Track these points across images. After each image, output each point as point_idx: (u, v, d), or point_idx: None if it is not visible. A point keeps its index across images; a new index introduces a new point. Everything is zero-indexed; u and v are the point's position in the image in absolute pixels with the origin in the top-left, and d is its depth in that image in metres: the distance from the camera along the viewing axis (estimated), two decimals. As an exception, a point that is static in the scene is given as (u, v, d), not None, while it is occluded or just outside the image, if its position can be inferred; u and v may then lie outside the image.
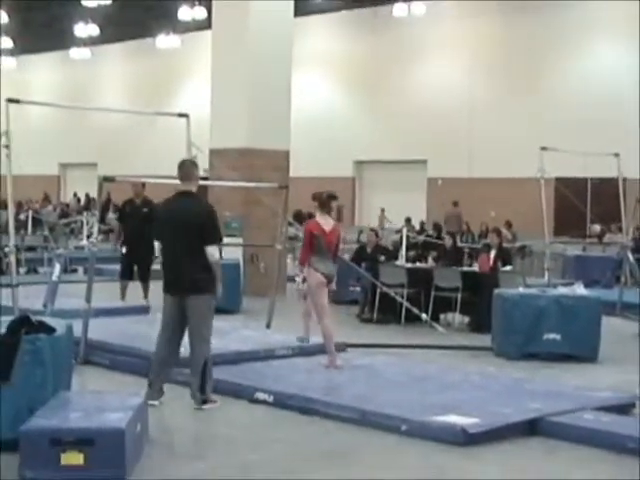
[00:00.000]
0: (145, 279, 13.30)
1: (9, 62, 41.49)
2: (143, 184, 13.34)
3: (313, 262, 9.05)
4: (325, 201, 9.23)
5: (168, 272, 7.65)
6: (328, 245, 9.13)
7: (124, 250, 13.18)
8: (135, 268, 13.20)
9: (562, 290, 11.15)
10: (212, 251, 7.47)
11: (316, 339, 10.00)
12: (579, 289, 10.76)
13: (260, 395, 7.75)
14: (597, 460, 6.38)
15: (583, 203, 23.17)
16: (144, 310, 12.04)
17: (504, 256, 13.37)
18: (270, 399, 7.69)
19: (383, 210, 29.63)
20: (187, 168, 7.76)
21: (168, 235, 7.61)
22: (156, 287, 13.83)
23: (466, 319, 12.96)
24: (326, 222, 9.18)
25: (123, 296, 13.30)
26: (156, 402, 7.45)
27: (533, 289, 11.45)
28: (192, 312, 7.46)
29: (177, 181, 7.69)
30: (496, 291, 10.97)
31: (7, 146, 9.43)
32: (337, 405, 7.30)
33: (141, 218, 13.17)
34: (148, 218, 13.45)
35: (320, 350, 9.63)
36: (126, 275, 13.30)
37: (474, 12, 29.59)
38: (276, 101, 16.19)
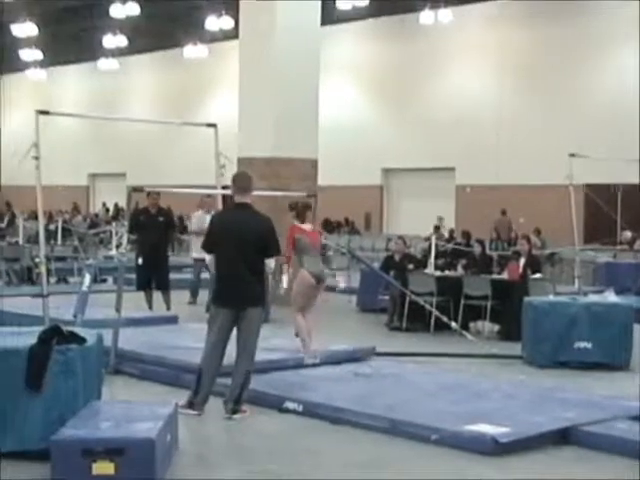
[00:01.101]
0: (166, 287, 13.35)
1: (39, 74, 41.90)
2: (158, 193, 13.39)
3: (304, 263, 9.32)
4: (301, 211, 9.63)
5: (224, 285, 7.51)
6: (313, 242, 9.51)
7: (140, 261, 13.17)
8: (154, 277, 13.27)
9: (593, 298, 11.05)
10: (270, 263, 7.49)
11: (342, 346, 10.02)
12: (610, 296, 10.65)
13: (289, 404, 7.73)
14: (630, 470, 6.29)
15: (613, 209, 22.98)
16: (173, 320, 12.08)
17: (533, 264, 13.28)
18: (299, 408, 7.67)
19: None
20: (243, 180, 7.68)
21: (225, 247, 7.43)
22: (176, 296, 13.94)
23: (496, 327, 12.89)
24: (304, 225, 9.55)
25: (150, 306, 13.36)
26: (200, 412, 7.44)
27: (563, 297, 11.37)
28: (245, 324, 7.42)
29: (204, 191, 7.69)
30: (526, 299, 10.90)
31: (37, 157, 9.49)
32: (367, 414, 7.27)
33: (157, 227, 13.22)
34: (166, 226, 13.54)
35: (348, 358, 9.65)
36: (147, 285, 13.33)
37: (500, 19, 29.46)
38: (304, 109, 16.18)
